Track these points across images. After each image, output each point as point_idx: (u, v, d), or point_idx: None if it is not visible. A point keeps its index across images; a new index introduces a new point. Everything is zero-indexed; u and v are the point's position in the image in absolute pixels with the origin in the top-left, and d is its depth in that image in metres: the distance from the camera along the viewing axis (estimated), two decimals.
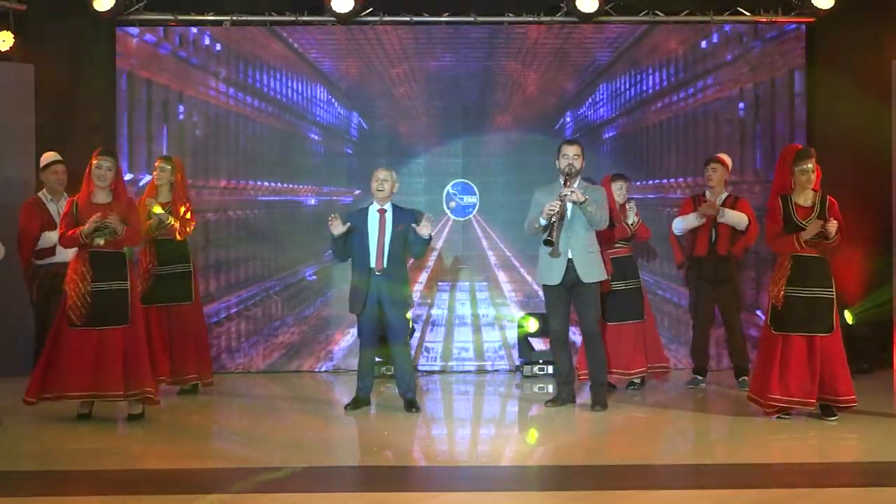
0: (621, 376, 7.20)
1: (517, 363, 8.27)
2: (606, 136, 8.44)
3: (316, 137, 8.51)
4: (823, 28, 8.42)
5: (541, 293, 8.34)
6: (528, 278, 8.46)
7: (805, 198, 6.14)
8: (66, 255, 6.64)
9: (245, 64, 8.42)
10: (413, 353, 7.84)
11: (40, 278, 7.11)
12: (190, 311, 7.25)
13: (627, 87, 8.53)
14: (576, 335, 7.25)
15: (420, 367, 8.19)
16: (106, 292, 6.11)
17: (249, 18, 8.41)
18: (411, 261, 7.03)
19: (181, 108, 8.38)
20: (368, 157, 8.44)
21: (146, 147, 8.30)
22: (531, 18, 8.45)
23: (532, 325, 8.06)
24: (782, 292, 6.09)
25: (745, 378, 7.37)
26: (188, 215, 7.24)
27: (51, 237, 7.04)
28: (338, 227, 6.54)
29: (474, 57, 8.50)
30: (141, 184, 8.19)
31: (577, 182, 6.55)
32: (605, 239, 6.83)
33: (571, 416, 6.47)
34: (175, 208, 7.18)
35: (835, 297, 6.09)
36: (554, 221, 6.37)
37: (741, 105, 8.49)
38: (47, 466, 5.32)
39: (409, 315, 7.64)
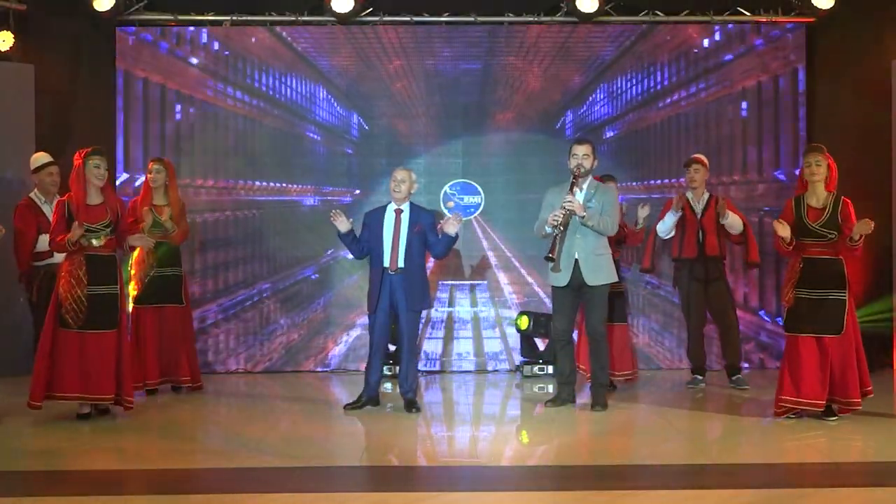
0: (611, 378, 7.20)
1: (517, 363, 8.26)
2: (607, 135, 8.44)
3: (316, 137, 8.50)
4: (823, 28, 8.42)
5: (540, 293, 8.41)
6: (529, 279, 8.47)
7: (818, 199, 6.13)
8: (63, 256, 6.65)
9: (245, 64, 8.42)
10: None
11: (39, 279, 7.11)
12: (181, 313, 7.29)
13: (627, 86, 8.53)
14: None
15: (420, 367, 8.17)
16: (100, 296, 6.13)
17: (249, 18, 8.41)
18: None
19: (181, 108, 8.38)
20: (368, 157, 8.44)
21: (146, 147, 8.30)
22: (531, 18, 8.45)
23: (524, 322, 8.05)
24: (792, 293, 6.10)
25: (740, 377, 7.38)
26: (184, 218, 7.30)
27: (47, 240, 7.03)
28: (341, 224, 6.54)
29: (474, 57, 8.50)
30: (136, 184, 8.19)
31: (588, 181, 6.54)
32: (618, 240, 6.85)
33: (571, 416, 6.47)
34: (175, 212, 7.19)
35: (847, 298, 6.08)
36: (556, 234, 6.38)
37: (741, 105, 8.48)
38: (47, 466, 5.32)
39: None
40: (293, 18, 8.41)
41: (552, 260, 6.41)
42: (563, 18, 8.44)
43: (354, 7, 8.20)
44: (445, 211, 8.34)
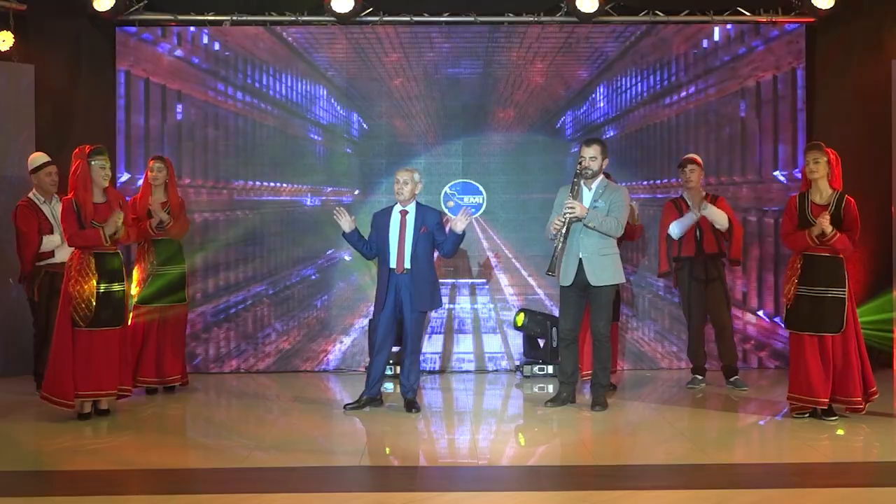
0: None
1: (517, 363, 8.27)
2: (607, 135, 8.43)
3: (316, 137, 8.50)
4: (823, 28, 8.42)
5: (541, 293, 8.42)
6: (529, 279, 8.46)
7: (822, 196, 6.14)
8: (65, 255, 6.66)
9: (245, 64, 8.42)
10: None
11: (40, 279, 7.11)
12: (183, 311, 7.37)
13: (627, 86, 8.53)
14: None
15: (420, 367, 8.17)
16: (107, 294, 6.18)
17: (249, 18, 8.41)
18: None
19: (181, 108, 8.38)
20: (368, 157, 8.44)
21: (145, 147, 8.30)
22: (531, 18, 8.45)
23: (520, 318, 8.05)
24: (793, 291, 6.10)
25: (738, 378, 7.38)
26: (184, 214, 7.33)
27: (53, 241, 7.04)
28: (344, 223, 6.55)
29: (474, 57, 8.49)
30: (138, 184, 8.18)
31: (598, 181, 6.53)
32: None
33: (571, 416, 6.47)
34: (173, 208, 7.22)
35: (847, 296, 6.08)
36: (556, 246, 6.39)
37: (741, 105, 8.48)
38: (47, 466, 5.32)
39: None
40: (293, 18, 8.41)
41: (551, 273, 6.46)
42: (563, 18, 8.44)
43: (354, 7, 8.20)
44: (446, 210, 8.36)
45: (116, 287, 6.23)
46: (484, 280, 8.51)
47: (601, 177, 6.58)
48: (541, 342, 8.07)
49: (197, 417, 6.75)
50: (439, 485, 4.92)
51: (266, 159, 8.43)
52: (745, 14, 8.42)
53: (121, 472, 5.16)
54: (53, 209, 7.12)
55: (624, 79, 8.51)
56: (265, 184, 8.41)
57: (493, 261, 8.50)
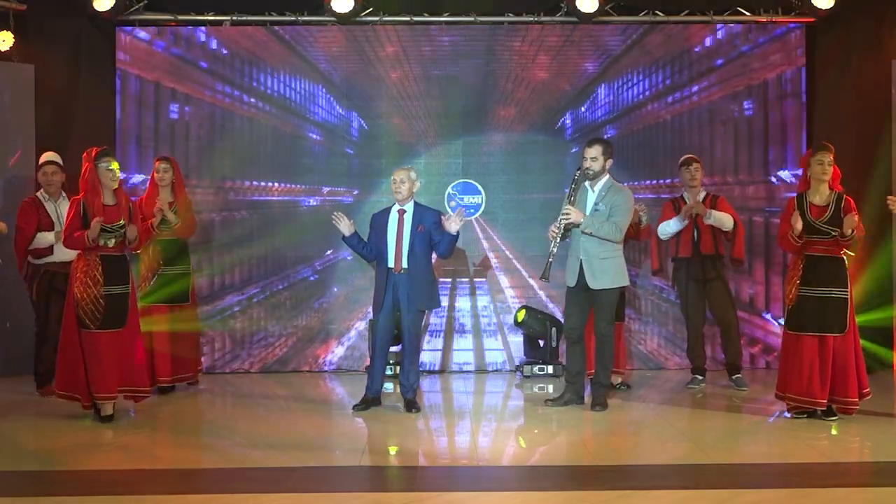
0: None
1: (517, 363, 8.27)
2: (607, 135, 8.42)
3: (316, 137, 8.50)
4: (823, 28, 8.42)
5: (542, 294, 8.42)
6: (529, 279, 8.46)
7: (821, 197, 6.14)
8: (64, 254, 6.68)
9: (245, 64, 8.42)
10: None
11: (39, 278, 7.12)
12: (189, 312, 7.38)
13: (627, 86, 8.52)
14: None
15: (420, 367, 8.16)
16: (114, 296, 6.18)
17: (249, 18, 8.40)
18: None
19: (181, 109, 8.38)
20: (368, 157, 8.44)
21: (145, 147, 8.30)
22: (531, 18, 8.45)
23: (521, 315, 8.05)
24: (795, 292, 6.10)
25: (740, 376, 7.38)
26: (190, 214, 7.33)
27: (46, 237, 7.04)
28: (344, 226, 6.56)
29: (474, 57, 8.49)
30: (137, 183, 8.18)
31: (602, 183, 6.52)
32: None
33: (571, 416, 6.47)
34: (180, 208, 7.23)
35: (849, 297, 6.09)
36: (552, 251, 6.40)
37: (741, 105, 8.47)
38: (47, 466, 5.32)
39: None
40: (293, 18, 8.41)
41: (545, 279, 6.49)
42: (563, 18, 8.44)
43: (354, 7, 8.20)
44: (450, 211, 8.37)
45: (122, 289, 6.23)
46: (484, 280, 8.51)
47: (606, 178, 6.55)
48: (540, 342, 8.08)
49: (196, 418, 6.75)
50: (439, 485, 4.92)
51: (265, 159, 8.42)
52: (745, 14, 8.42)
53: (120, 472, 5.16)
54: (59, 207, 7.13)
55: (624, 79, 8.51)
56: (265, 184, 8.41)
57: (494, 261, 8.50)
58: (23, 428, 6.22)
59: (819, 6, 8.19)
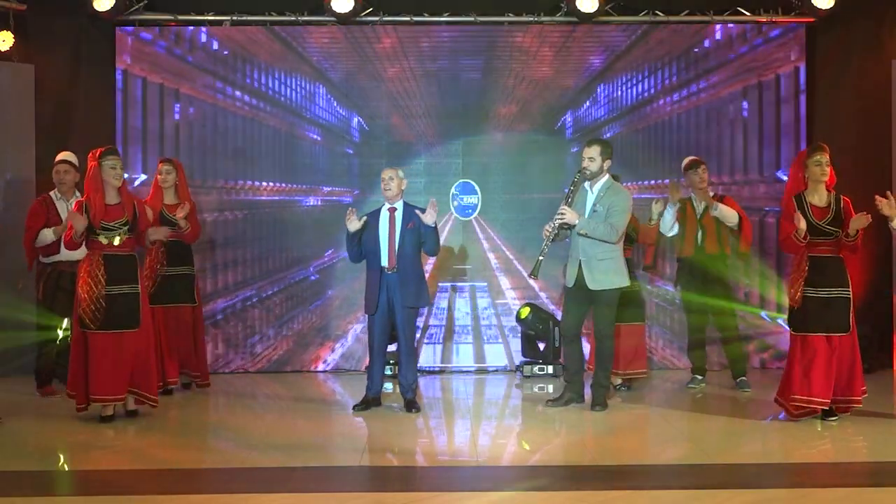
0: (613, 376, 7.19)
1: (517, 363, 8.26)
2: (607, 135, 8.43)
3: (316, 137, 8.50)
4: (823, 28, 8.42)
5: (542, 295, 8.42)
6: (530, 279, 8.44)
7: (820, 198, 6.13)
8: (70, 253, 6.68)
9: (245, 64, 8.42)
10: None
11: (46, 276, 7.13)
12: (192, 313, 7.33)
13: (627, 86, 8.53)
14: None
15: (420, 367, 8.17)
16: (118, 296, 6.13)
17: (249, 18, 8.40)
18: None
19: (181, 108, 8.38)
20: (368, 157, 8.44)
21: (146, 147, 8.30)
22: (531, 18, 8.45)
23: (525, 311, 8.05)
24: (800, 293, 6.08)
25: (744, 378, 7.38)
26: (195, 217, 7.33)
27: (45, 235, 7.03)
28: (353, 223, 6.55)
29: (474, 57, 8.49)
30: (136, 183, 8.18)
31: (601, 183, 6.51)
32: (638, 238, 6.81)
33: (571, 416, 6.47)
34: (188, 212, 7.19)
35: (851, 296, 6.09)
36: (543, 250, 6.40)
37: (741, 105, 8.48)
38: (47, 466, 5.32)
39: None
40: (293, 18, 8.41)
41: (533, 276, 6.49)
42: (563, 18, 8.44)
43: (354, 7, 8.20)
44: (452, 210, 8.37)
45: (129, 289, 6.17)
46: (484, 281, 8.50)
47: (606, 178, 6.54)
48: (540, 344, 8.08)
49: (196, 418, 6.75)
50: (439, 485, 4.92)
51: (266, 159, 8.42)
52: (745, 14, 8.42)
53: (120, 472, 5.16)
54: (70, 206, 7.13)
55: (624, 79, 8.51)
56: (265, 184, 8.41)
57: (494, 262, 8.50)
58: (23, 428, 6.22)
59: (819, 6, 8.19)
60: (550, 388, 7.49)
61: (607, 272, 6.44)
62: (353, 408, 6.64)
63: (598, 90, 8.52)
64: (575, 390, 6.69)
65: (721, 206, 7.20)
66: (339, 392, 7.64)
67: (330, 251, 8.41)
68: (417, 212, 6.58)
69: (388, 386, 7.37)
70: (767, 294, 8.38)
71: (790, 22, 8.42)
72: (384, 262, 6.56)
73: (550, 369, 7.91)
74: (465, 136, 8.50)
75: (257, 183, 8.41)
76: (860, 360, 6.20)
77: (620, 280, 6.52)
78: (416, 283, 6.60)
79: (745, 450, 5.70)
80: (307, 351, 8.42)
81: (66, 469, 5.29)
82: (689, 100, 8.49)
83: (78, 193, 7.19)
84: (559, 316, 8.06)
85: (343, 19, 8.29)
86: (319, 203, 8.43)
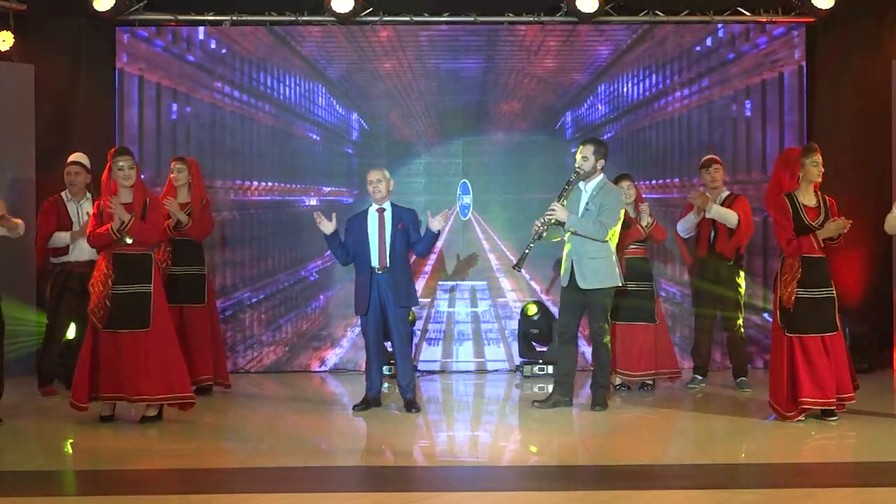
0: (626, 377, 7.19)
1: (517, 363, 8.26)
2: (607, 135, 8.43)
3: (316, 137, 8.50)
4: (823, 28, 8.42)
5: (543, 296, 8.42)
6: (530, 280, 8.46)
7: (810, 198, 6.12)
8: (80, 254, 6.71)
9: (245, 63, 8.42)
10: (413, 352, 7.83)
11: (55, 276, 7.14)
12: (203, 313, 7.23)
13: (627, 86, 8.53)
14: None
15: (420, 367, 8.18)
16: (127, 295, 6.06)
17: (249, 18, 8.41)
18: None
19: (181, 108, 8.38)
20: (368, 158, 8.43)
21: (146, 147, 8.30)
22: (531, 18, 8.45)
23: (532, 309, 8.06)
24: (794, 294, 6.04)
25: (745, 378, 7.37)
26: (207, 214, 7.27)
27: (61, 237, 7.04)
28: (326, 225, 6.56)
29: (474, 57, 8.50)
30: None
31: (595, 182, 6.50)
32: (619, 239, 6.78)
33: (571, 416, 6.47)
34: (194, 209, 7.17)
35: (836, 295, 6.09)
36: (530, 244, 6.40)
37: (741, 105, 8.48)
38: (47, 466, 5.32)
39: (412, 315, 7.67)
40: (293, 18, 8.41)
41: (517, 268, 6.50)
42: (563, 18, 8.44)
43: (354, 7, 8.20)
44: (458, 210, 8.37)
45: (140, 288, 6.09)
46: (484, 281, 8.51)
47: (600, 177, 6.54)
48: (538, 347, 8.07)
49: (195, 418, 6.74)
50: (439, 485, 4.92)
51: (265, 159, 8.43)
52: (745, 14, 8.42)
53: (120, 472, 5.16)
54: (80, 208, 7.14)
55: (624, 79, 8.52)
56: (265, 184, 8.41)
57: (493, 261, 8.50)
58: (23, 428, 6.21)
59: (819, 6, 8.19)
60: (550, 388, 7.47)
61: (598, 272, 6.43)
62: (353, 408, 6.64)
63: (599, 90, 8.52)
64: (563, 392, 6.63)
65: (716, 206, 7.17)
66: (338, 392, 7.64)
67: (329, 251, 8.38)
68: (428, 215, 6.56)
69: (387, 386, 7.36)
70: (768, 295, 8.36)
71: (790, 22, 8.41)
72: (374, 262, 6.55)
73: (550, 369, 7.90)
74: (466, 135, 8.50)
75: (257, 183, 8.41)
76: (849, 357, 6.19)
77: (612, 280, 6.49)
78: (406, 283, 6.62)
79: (745, 450, 5.70)
80: (307, 351, 8.42)
81: (67, 469, 5.29)
82: (689, 100, 8.48)
83: (88, 194, 7.19)
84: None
85: (343, 19, 8.29)
86: (319, 203, 8.42)
